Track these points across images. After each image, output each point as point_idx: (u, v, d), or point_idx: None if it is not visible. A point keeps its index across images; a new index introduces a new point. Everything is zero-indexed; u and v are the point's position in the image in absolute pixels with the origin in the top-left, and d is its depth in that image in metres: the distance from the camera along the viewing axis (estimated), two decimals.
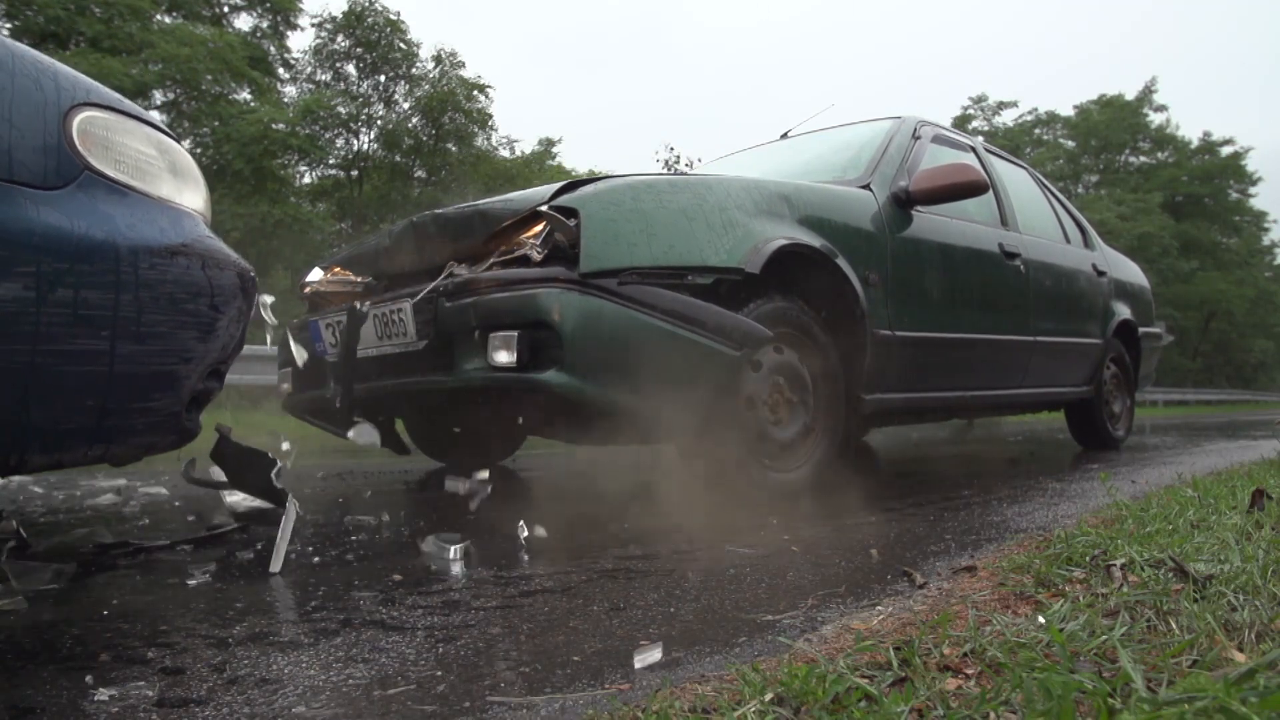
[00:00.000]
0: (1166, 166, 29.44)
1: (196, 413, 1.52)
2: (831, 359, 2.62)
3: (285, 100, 14.59)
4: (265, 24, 15.63)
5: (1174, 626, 1.05)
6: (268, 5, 15.27)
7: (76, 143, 1.25)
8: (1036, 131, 30.74)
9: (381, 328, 2.34)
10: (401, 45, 15.03)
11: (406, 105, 15.42)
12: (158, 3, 12.99)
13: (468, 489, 2.17)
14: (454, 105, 14.89)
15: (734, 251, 2.29)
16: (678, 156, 13.29)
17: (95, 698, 0.99)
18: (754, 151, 4.24)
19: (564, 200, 2.15)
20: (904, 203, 3.04)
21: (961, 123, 28.69)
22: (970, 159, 3.73)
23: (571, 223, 2.08)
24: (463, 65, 15.32)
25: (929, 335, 3.04)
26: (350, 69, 15.45)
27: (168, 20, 13.24)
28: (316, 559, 1.80)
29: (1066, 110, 31.03)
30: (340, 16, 14.85)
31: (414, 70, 15.29)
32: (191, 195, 1.46)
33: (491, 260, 2.26)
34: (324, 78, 15.61)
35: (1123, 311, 4.63)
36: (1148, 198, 26.13)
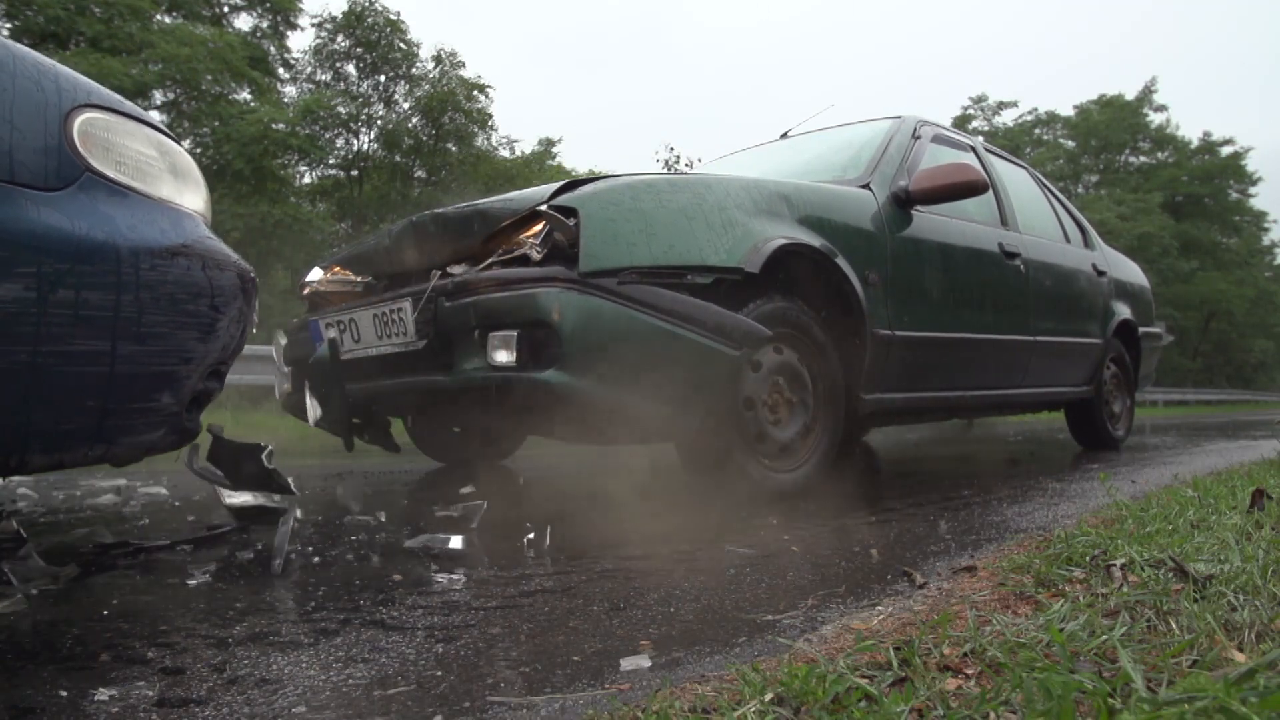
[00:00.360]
0: (1166, 166, 29.43)
1: (197, 413, 1.52)
2: (831, 359, 2.62)
3: (285, 100, 14.58)
4: (265, 24, 15.62)
5: (1174, 626, 1.05)
6: (268, 5, 15.26)
7: (77, 144, 1.25)
8: (1036, 131, 30.74)
9: (381, 327, 2.34)
10: (401, 45, 15.02)
11: (406, 105, 15.42)
12: (158, 3, 12.98)
13: (461, 513, 2.16)
14: (454, 105, 14.88)
15: (734, 251, 2.29)
16: (678, 156, 13.26)
17: (95, 698, 0.99)
18: (754, 151, 4.24)
19: (563, 200, 2.15)
20: (904, 202, 3.04)
21: (961, 123, 28.68)
22: (970, 159, 3.73)
23: (571, 222, 2.08)
24: (463, 65, 15.32)
25: (929, 335, 3.04)
26: (350, 69, 15.44)
27: (168, 20, 13.24)
28: (316, 559, 1.80)
29: (1066, 110, 31.08)
30: (340, 16, 14.84)
31: (414, 70, 15.29)
32: (192, 196, 1.46)
33: (491, 260, 2.26)
34: (324, 78, 15.61)
35: (1123, 311, 4.63)
36: (1148, 198, 26.13)
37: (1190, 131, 31.33)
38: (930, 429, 7.43)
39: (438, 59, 15.21)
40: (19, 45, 1.27)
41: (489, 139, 15.88)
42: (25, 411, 1.17)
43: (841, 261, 2.64)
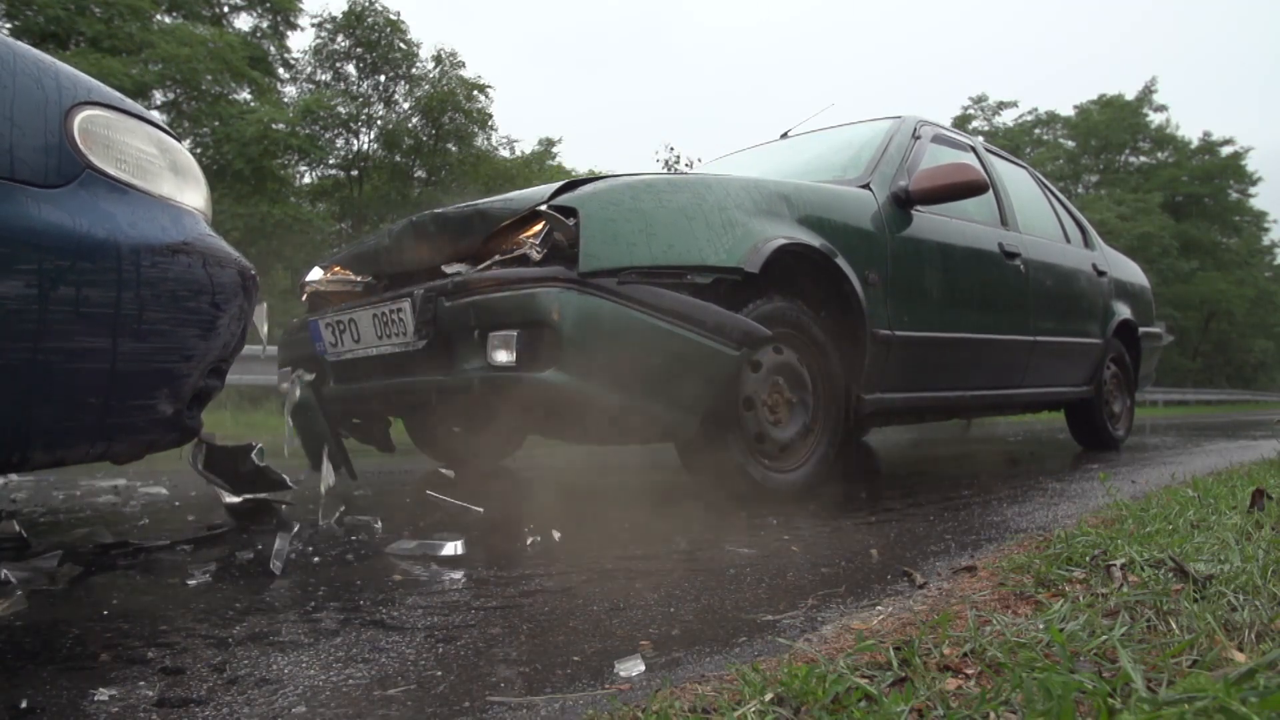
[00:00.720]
0: (1166, 166, 29.44)
1: (198, 411, 1.52)
2: (831, 359, 2.62)
3: (285, 100, 14.58)
4: (265, 24, 15.63)
5: (1174, 626, 1.05)
6: (268, 5, 15.26)
7: (78, 141, 1.25)
8: (1036, 131, 30.74)
9: (381, 327, 2.34)
10: (401, 45, 15.03)
11: (406, 105, 15.43)
12: (158, 3, 12.98)
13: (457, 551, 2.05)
14: (454, 105, 14.89)
15: (733, 251, 2.29)
16: (678, 156, 13.25)
17: (95, 698, 0.99)
18: (754, 151, 4.24)
19: (563, 200, 2.15)
20: (904, 202, 3.04)
21: (961, 123, 28.69)
22: (970, 159, 3.73)
23: (571, 222, 2.08)
24: (463, 65, 15.32)
25: (929, 335, 3.04)
26: (350, 69, 15.45)
27: (168, 20, 13.24)
28: (316, 559, 1.80)
29: (1066, 110, 31.09)
30: (340, 16, 14.85)
31: (414, 70, 15.29)
32: (192, 193, 1.46)
33: (491, 260, 2.26)
34: (324, 78, 15.61)
35: (1123, 311, 4.63)
36: (1148, 198, 26.13)
37: (1190, 131, 31.39)
38: (930, 429, 7.43)
39: (438, 59, 15.22)
40: (19, 43, 1.27)
41: (489, 139, 15.89)
42: (26, 408, 1.17)
43: (841, 261, 2.64)
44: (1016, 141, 28.56)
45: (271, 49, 15.45)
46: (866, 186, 2.99)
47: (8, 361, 1.13)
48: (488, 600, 1.43)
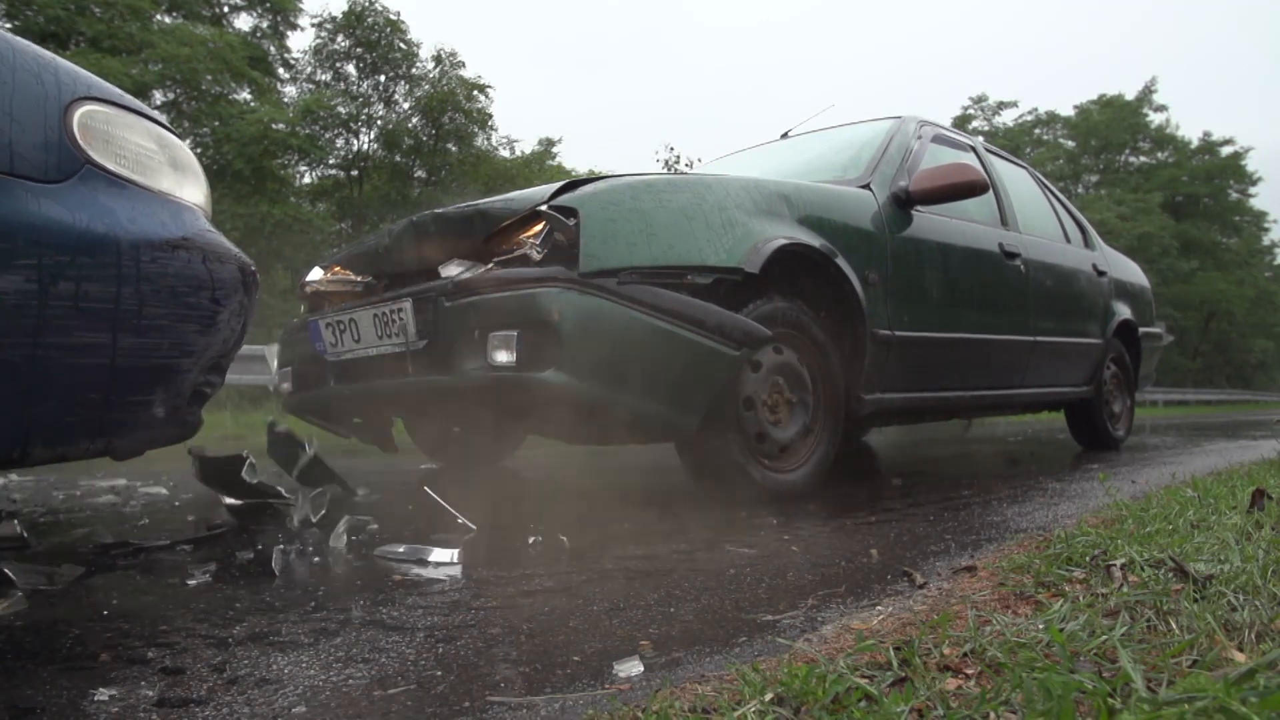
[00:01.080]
0: (1166, 166, 29.46)
1: (198, 407, 1.52)
2: (831, 359, 2.62)
3: (285, 100, 14.59)
4: (265, 24, 15.63)
5: (1174, 626, 1.05)
6: (268, 5, 15.27)
7: (77, 136, 1.25)
8: (1036, 131, 30.76)
9: (381, 327, 2.34)
10: (401, 45, 15.03)
11: (406, 105, 15.43)
12: (158, 3, 12.98)
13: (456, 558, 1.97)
14: (454, 105, 14.89)
15: (734, 251, 2.29)
16: (678, 156, 13.26)
17: (95, 698, 0.98)
18: (754, 151, 4.24)
19: (563, 200, 2.15)
20: (904, 202, 3.04)
21: (961, 123, 28.70)
22: (970, 159, 3.73)
23: (571, 222, 2.08)
24: (463, 65, 15.33)
25: (929, 335, 3.04)
26: (350, 69, 15.45)
27: (168, 20, 13.24)
28: (316, 559, 1.80)
29: (1066, 110, 31.11)
30: (340, 16, 14.85)
31: (414, 70, 15.29)
32: (192, 189, 1.46)
33: (491, 260, 2.26)
34: (324, 78, 15.62)
35: (1123, 311, 4.63)
36: (1148, 198, 26.15)
37: (1190, 131, 31.43)
38: (930, 429, 7.43)
39: (438, 59, 15.23)
40: (19, 39, 1.27)
41: (489, 139, 15.91)
42: (26, 404, 1.17)
43: (841, 261, 2.63)
44: (1016, 141, 28.58)
45: (271, 49, 15.46)
46: (867, 187, 2.99)
47: (8, 357, 1.13)
48: (488, 600, 1.43)
